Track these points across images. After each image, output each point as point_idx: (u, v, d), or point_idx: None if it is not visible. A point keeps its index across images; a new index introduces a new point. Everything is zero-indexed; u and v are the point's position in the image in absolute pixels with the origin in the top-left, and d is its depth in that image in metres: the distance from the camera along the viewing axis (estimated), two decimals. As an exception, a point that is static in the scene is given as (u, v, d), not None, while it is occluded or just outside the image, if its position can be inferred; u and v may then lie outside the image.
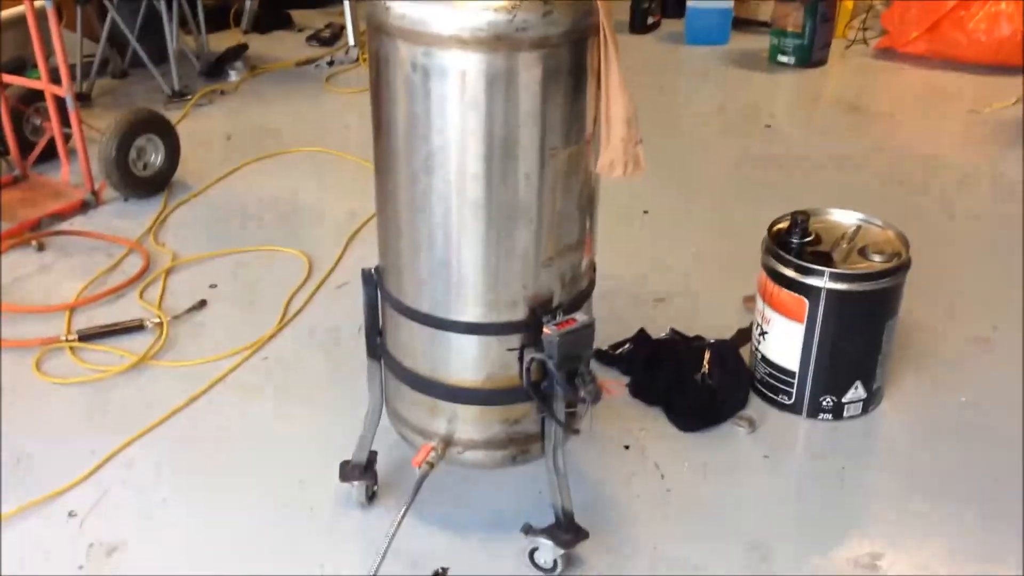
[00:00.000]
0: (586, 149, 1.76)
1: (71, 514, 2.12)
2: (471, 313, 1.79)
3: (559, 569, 1.94)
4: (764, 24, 5.45)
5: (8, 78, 3.55)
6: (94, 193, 3.51)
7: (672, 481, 2.21)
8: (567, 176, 1.75)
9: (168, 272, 3.10)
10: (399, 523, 1.86)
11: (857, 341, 2.32)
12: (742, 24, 5.62)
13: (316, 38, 5.55)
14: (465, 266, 1.76)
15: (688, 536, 2.06)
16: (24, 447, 2.33)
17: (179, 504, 2.16)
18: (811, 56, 5.09)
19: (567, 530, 1.93)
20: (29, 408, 2.47)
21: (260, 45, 5.44)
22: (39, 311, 2.88)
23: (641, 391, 2.47)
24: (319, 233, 3.35)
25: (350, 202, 3.50)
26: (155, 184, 3.61)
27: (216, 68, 4.94)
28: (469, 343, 1.82)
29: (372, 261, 1.94)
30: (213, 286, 3.02)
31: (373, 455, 2.12)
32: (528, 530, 1.95)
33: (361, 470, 2.10)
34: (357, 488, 2.11)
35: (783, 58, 5.14)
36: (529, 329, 1.79)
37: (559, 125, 1.69)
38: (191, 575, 1.98)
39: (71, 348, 2.69)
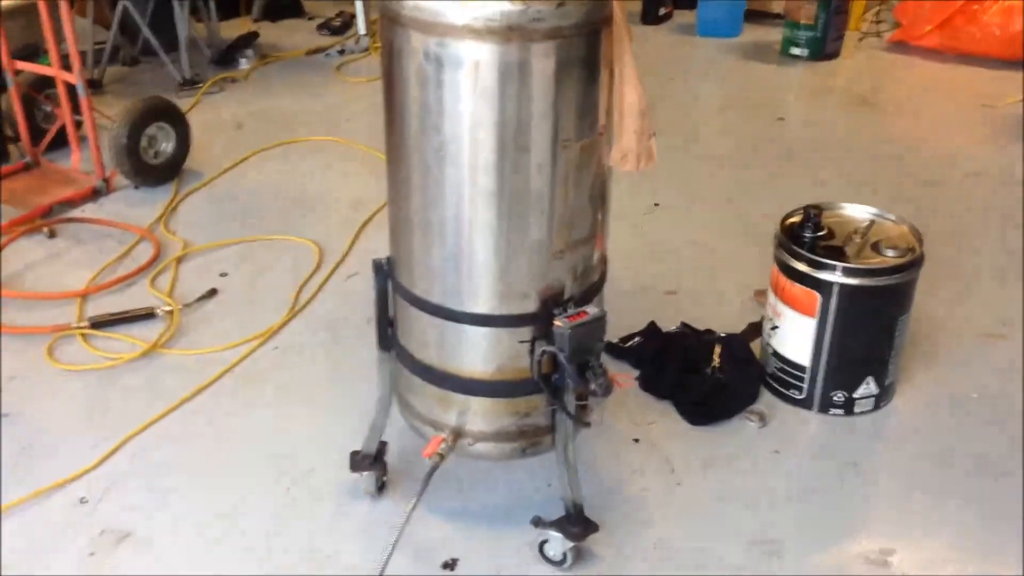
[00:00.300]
0: (599, 141, 1.75)
1: (82, 501, 2.13)
2: (482, 305, 1.79)
3: (569, 562, 1.94)
4: (777, 16, 5.43)
5: (20, 64, 3.55)
6: (105, 180, 3.51)
7: (682, 475, 2.20)
8: (579, 168, 1.74)
9: (179, 260, 3.10)
10: (409, 515, 1.86)
11: (869, 336, 2.31)
12: (754, 16, 5.60)
13: (327, 27, 5.54)
14: (477, 257, 1.75)
15: (698, 530, 2.05)
16: (36, 434, 2.34)
17: (188, 493, 2.16)
18: (824, 49, 5.06)
19: (577, 523, 1.93)
20: (40, 395, 2.48)
21: (271, 33, 5.44)
22: (50, 298, 2.88)
23: (651, 384, 2.46)
24: (329, 222, 3.35)
25: (360, 191, 3.50)
26: (166, 172, 3.61)
27: (227, 56, 4.94)
28: (480, 335, 1.82)
29: (382, 251, 1.94)
30: (224, 275, 3.02)
31: (383, 445, 2.12)
32: (538, 523, 1.95)
33: (370, 460, 2.10)
34: (366, 478, 2.12)
35: (795, 50, 5.12)
36: (540, 321, 1.79)
37: (572, 117, 1.69)
38: (198, 567, 1.99)
39: (82, 335, 2.70)
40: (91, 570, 1.96)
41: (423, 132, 1.70)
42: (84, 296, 2.89)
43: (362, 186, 3.56)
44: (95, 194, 3.50)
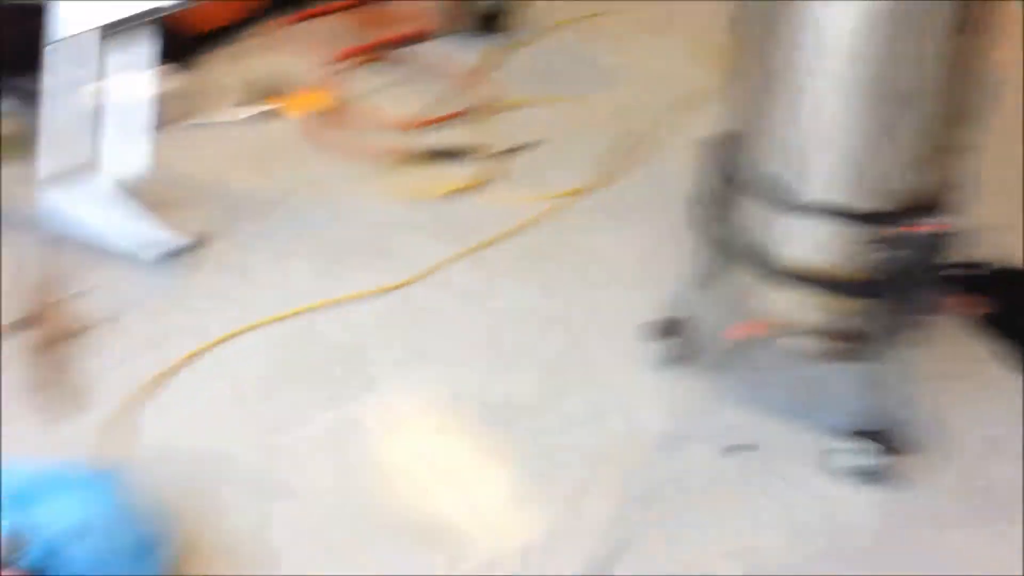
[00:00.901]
0: (989, 42, 1.59)
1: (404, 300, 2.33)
2: (830, 196, 1.69)
3: (878, 477, 1.85)
4: None
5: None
6: (437, 24, 3.62)
7: (1001, 424, 2.01)
8: (962, 68, 1.59)
9: (497, 110, 3.17)
10: (705, 392, 1.83)
11: None
12: None
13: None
14: (833, 145, 1.66)
15: (1008, 482, 1.89)
16: (345, 246, 2.53)
17: (490, 320, 2.28)
18: None
19: (887, 438, 1.84)
20: (363, 217, 2.66)
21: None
22: (374, 128, 3.04)
23: (993, 321, 2.22)
24: (651, 95, 3.27)
25: (682, 69, 3.40)
26: (495, 23, 3.66)
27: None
28: (820, 227, 1.73)
29: (702, 131, 1.88)
30: (536, 130, 3.05)
31: (688, 320, 2.09)
32: (846, 431, 1.87)
33: (674, 331, 2.10)
34: (665, 347, 2.11)
35: None
36: (889, 223, 1.68)
37: (963, 9, 1.54)
38: (487, 389, 2.08)
39: (404, 163, 2.85)
40: (398, 379, 2.12)
41: (784, 9, 1.60)
42: (404, 129, 3.03)
43: (684, 64, 3.45)
44: (426, 36, 3.61)
